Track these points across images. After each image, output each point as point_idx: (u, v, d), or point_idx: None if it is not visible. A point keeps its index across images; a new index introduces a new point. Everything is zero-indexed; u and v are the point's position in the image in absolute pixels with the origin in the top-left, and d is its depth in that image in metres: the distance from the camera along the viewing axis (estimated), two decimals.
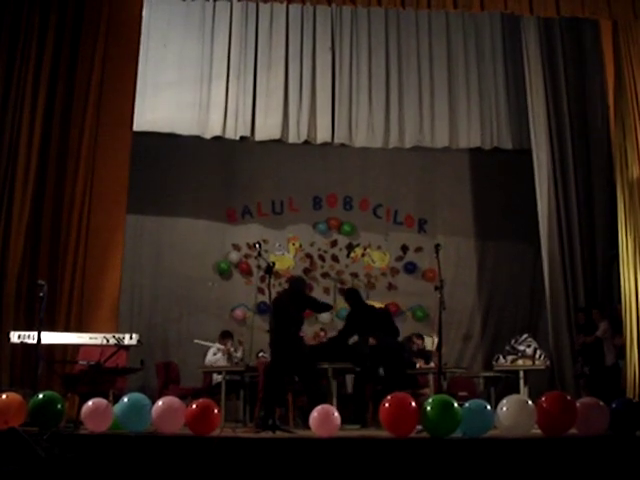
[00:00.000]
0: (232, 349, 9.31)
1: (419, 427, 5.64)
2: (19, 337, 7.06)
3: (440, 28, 11.41)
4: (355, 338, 8.68)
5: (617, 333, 9.38)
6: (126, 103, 8.86)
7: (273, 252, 11.41)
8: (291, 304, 7.93)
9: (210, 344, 9.66)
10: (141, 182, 10.07)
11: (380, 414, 5.66)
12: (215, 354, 9.51)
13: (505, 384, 9.67)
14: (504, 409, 5.66)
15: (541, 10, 9.14)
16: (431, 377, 8.70)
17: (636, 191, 9.16)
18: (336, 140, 11.15)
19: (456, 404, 5.58)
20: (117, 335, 7.23)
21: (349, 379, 9.68)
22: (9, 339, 7.11)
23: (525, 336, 9.71)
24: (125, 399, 5.80)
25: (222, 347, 9.51)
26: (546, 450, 5.34)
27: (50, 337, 7.14)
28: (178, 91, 10.68)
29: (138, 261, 10.91)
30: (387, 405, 5.59)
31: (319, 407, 5.93)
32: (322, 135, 11.08)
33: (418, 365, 9.24)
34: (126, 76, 8.88)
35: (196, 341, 9.70)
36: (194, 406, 5.71)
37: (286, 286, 11.17)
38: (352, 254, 11.70)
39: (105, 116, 8.71)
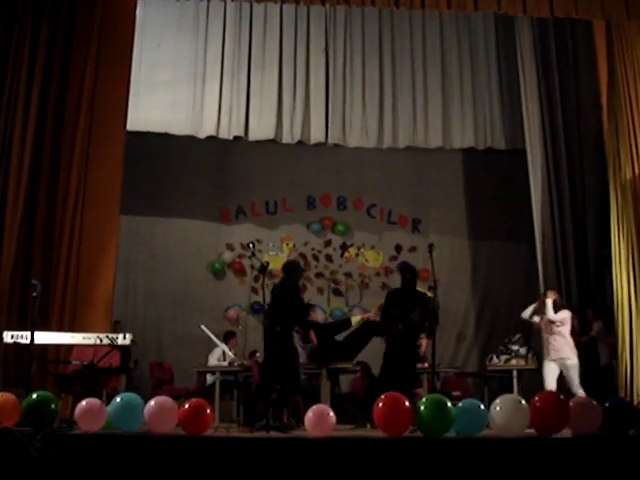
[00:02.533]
0: (237, 363, 9.12)
1: (413, 427, 5.65)
2: (12, 337, 7.06)
3: (434, 29, 11.44)
4: None
5: (610, 332, 9.39)
6: (120, 103, 8.87)
7: (267, 252, 11.40)
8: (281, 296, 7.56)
9: (214, 338, 9.51)
10: (135, 182, 10.07)
11: (374, 414, 5.67)
12: (219, 360, 9.38)
13: (499, 384, 9.68)
14: (497, 409, 5.67)
15: (535, 10, 9.15)
16: (425, 377, 8.70)
17: (629, 191, 9.18)
18: (330, 140, 11.16)
19: (450, 404, 5.59)
20: (110, 335, 7.23)
21: (342, 379, 9.66)
22: (2, 339, 7.10)
23: (518, 336, 9.70)
24: (118, 399, 5.79)
25: (227, 350, 9.41)
26: (539, 449, 5.35)
27: (43, 337, 7.12)
28: (172, 91, 10.69)
29: (132, 261, 10.91)
30: (381, 405, 5.60)
31: (314, 407, 5.92)
32: (316, 135, 11.10)
33: None
34: (120, 76, 8.88)
35: (202, 327, 9.47)
36: (186, 406, 5.70)
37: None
38: (346, 254, 11.69)
39: (99, 116, 8.72)
